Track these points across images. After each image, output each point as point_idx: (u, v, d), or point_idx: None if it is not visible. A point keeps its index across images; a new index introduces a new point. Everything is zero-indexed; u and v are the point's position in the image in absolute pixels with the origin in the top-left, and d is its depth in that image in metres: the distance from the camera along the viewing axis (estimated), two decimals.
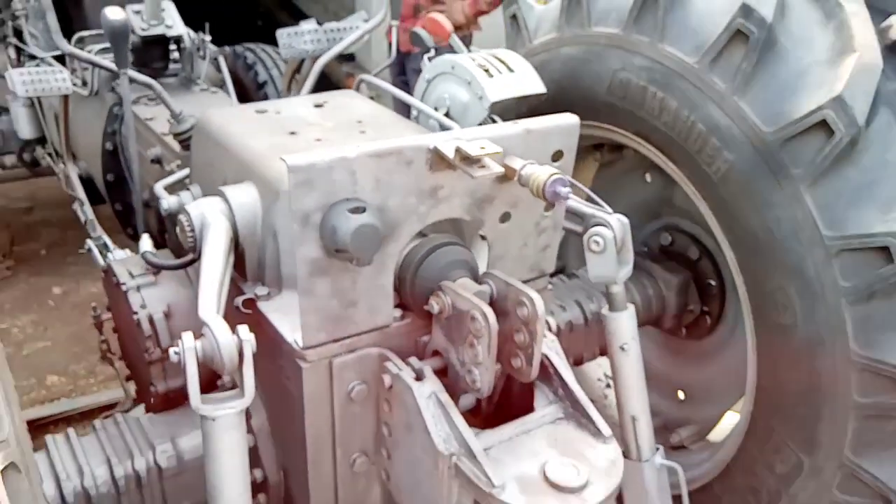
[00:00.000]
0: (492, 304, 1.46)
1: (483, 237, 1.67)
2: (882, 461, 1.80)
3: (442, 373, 1.55)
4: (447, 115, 2.08)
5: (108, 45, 2.82)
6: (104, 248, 2.45)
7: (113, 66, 2.29)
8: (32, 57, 3.43)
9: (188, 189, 1.96)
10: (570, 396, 1.56)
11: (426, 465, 1.48)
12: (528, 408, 1.58)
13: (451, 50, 2.33)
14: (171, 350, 1.40)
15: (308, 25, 2.66)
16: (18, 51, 3.73)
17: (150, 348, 1.82)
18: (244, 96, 3.72)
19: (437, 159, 1.45)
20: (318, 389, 1.55)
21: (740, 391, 2.16)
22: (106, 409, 3.29)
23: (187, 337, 1.39)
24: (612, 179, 2.60)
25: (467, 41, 4.39)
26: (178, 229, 1.72)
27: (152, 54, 2.98)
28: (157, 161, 2.51)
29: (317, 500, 1.68)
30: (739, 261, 1.96)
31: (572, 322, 2.28)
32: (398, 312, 1.61)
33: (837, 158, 1.71)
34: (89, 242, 2.52)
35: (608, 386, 2.79)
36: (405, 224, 1.50)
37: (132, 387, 2.38)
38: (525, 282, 1.56)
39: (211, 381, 1.69)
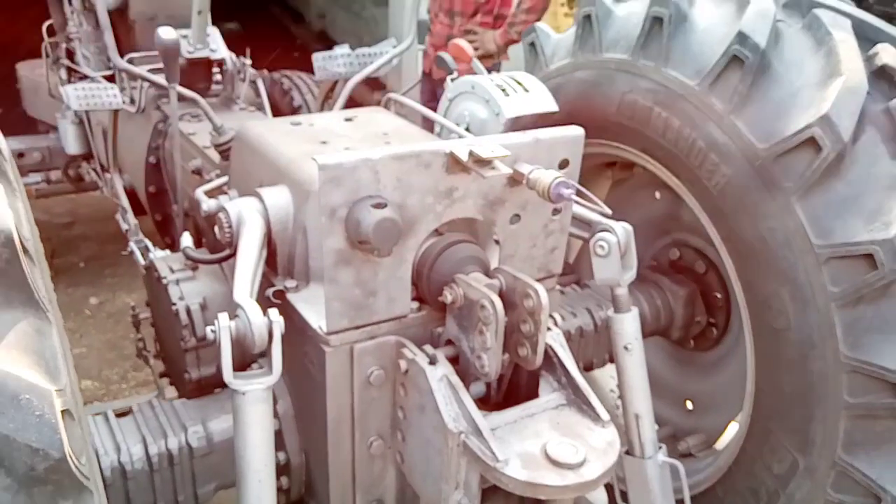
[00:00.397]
0: (501, 296, 1.60)
1: (496, 241, 1.82)
2: (872, 460, 1.89)
3: (454, 361, 1.69)
4: (467, 129, 2.24)
5: (155, 66, 3.05)
6: (146, 250, 2.63)
7: (163, 81, 2.50)
8: (82, 77, 3.67)
9: (226, 194, 2.13)
10: (573, 384, 1.69)
11: (437, 443, 1.61)
12: (533, 395, 1.71)
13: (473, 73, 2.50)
14: (208, 328, 1.55)
15: (341, 50, 2.85)
16: (69, 71, 3.99)
17: (187, 337, 1.98)
18: None
19: (453, 162, 1.61)
20: (340, 373, 1.69)
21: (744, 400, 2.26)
22: None
23: (223, 317, 1.54)
24: (625, 196, 2.73)
25: (497, 69, 4.58)
26: (216, 227, 1.88)
27: (197, 75, 3.20)
28: (198, 172, 2.70)
29: (336, 482, 1.81)
30: (737, 269, 2.08)
31: (582, 328, 2.40)
32: (415, 304, 1.75)
33: (825, 172, 1.84)
34: (132, 244, 2.70)
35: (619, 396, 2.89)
36: (422, 221, 1.65)
37: (165, 383, 2.54)
38: None
39: (240, 369, 1.84)
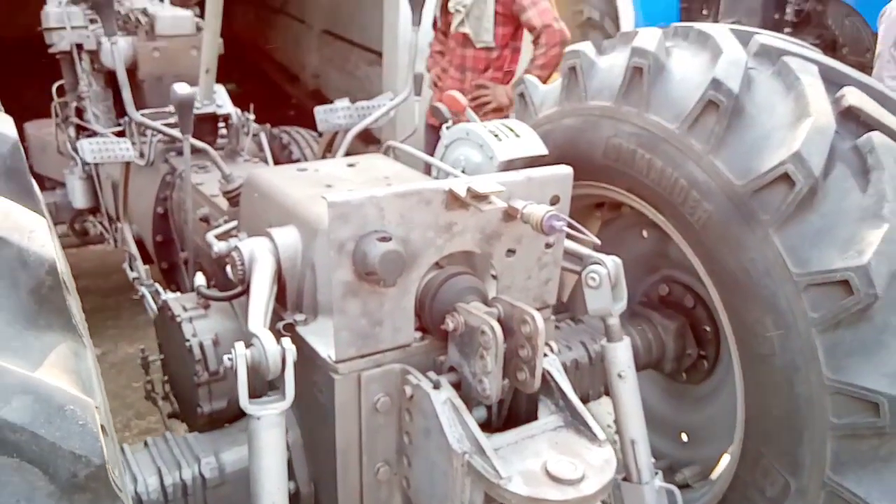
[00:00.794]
0: (499, 323, 1.70)
1: (494, 276, 1.93)
2: (860, 478, 1.97)
3: (457, 387, 1.78)
4: (463, 173, 2.37)
5: (163, 121, 3.21)
6: (156, 293, 2.73)
7: (176, 133, 2.63)
8: (91, 134, 3.83)
9: (235, 237, 2.25)
10: (570, 407, 1.78)
11: (442, 464, 1.69)
12: (532, 418, 1.79)
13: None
14: (225, 357, 1.65)
15: (341, 103, 3.01)
16: (78, 129, 4.15)
17: (200, 371, 2.07)
18: None
19: (452, 199, 1.73)
20: (348, 400, 1.78)
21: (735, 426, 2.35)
22: None
23: (239, 345, 1.64)
24: (614, 236, 2.85)
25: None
26: (229, 265, 1.99)
27: (204, 128, 3.35)
28: (205, 219, 2.82)
29: None
30: (722, 299, 2.19)
31: (578, 360, 2.50)
32: (418, 334, 1.85)
33: (800, 206, 1.96)
34: (143, 289, 2.80)
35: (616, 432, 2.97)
36: (424, 254, 1.76)
37: (173, 424, 2.61)
38: None
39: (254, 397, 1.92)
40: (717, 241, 2.15)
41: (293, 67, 11.78)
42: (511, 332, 1.73)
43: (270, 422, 1.64)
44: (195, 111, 3.08)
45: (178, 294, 2.37)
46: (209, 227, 2.73)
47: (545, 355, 1.82)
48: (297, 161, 4.33)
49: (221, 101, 3.50)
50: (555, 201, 1.87)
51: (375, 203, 1.66)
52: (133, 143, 3.28)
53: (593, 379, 2.54)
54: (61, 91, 4.41)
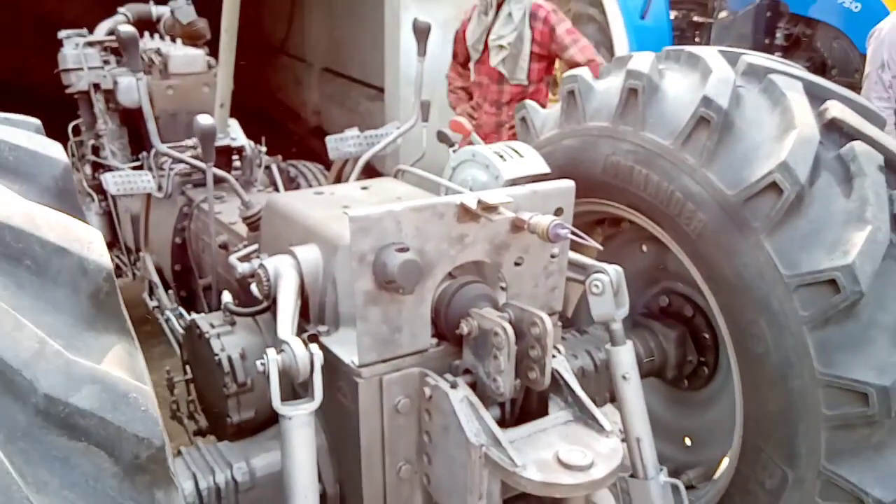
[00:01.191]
0: (510, 325, 1.83)
1: (503, 287, 2.06)
2: (853, 466, 2.08)
3: (472, 387, 1.90)
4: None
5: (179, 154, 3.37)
6: (180, 317, 2.86)
7: (198, 163, 2.78)
8: (107, 170, 3.99)
9: (257, 258, 2.39)
10: (578, 403, 1.90)
11: (461, 458, 1.80)
12: (543, 414, 1.91)
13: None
14: (258, 362, 1.78)
15: (351, 132, 3.18)
16: (94, 167, 4.31)
17: (229, 383, 2.19)
18: None
19: (463, 212, 1.87)
20: (371, 402, 1.90)
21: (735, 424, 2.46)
22: None
23: (271, 351, 1.77)
24: (615, 251, 2.98)
25: None
26: (256, 283, 2.13)
27: (219, 160, 3.50)
28: (224, 246, 2.96)
29: None
30: (719, 303, 2.32)
31: (584, 368, 2.61)
32: (435, 340, 1.98)
33: (788, 212, 2.10)
34: (168, 313, 2.93)
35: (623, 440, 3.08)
36: (439, 264, 1.89)
37: (198, 441, 2.72)
38: None
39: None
40: (712, 248, 2.28)
41: (294, 105, 12.04)
42: (522, 335, 1.86)
43: (301, 421, 1.76)
44: None
45: (204, 314, 2.50)
46: (228, 253, 2.87)
47: (554, 356, 1.95)
48: None
49: (235, 134, 3.67)
50: (559, 213, 2.01)
51: (393, 217, 1.80)
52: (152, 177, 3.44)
53: (599, 385, 2.65)
54: (76, 131, 4.59)
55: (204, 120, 2.47)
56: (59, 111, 4.48)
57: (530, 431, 1.83)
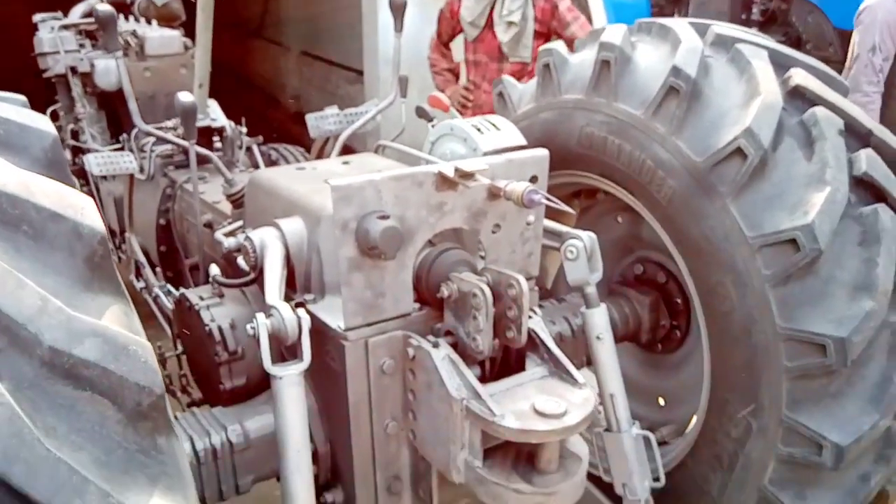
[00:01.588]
0: (488, 287, 1.92)
1: (482, 256, 2.14)
2: (812, 414, 2.20)
3: (453, 347, 1.99)
4: None
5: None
6: (168, 294, 2.93)
7: (180, 141, 2.84)
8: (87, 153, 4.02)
9: (243, 233, 2.46)
10: (553, 359, 2.00)
11: (443, 411, 1.90)
12: (521, 371, 2.01)
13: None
14: (248, 326, 1.86)
15: (331, 110, 3.24)
16: (74, 151, 4.34)
17: (220, 352, 2.27)
18: None
19: (442, 181, 1.95)
20: (358, 364, 1.99)
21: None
22: None
23: (260, 316, 1.86)
24: (591, 222, 3.08)
25: None
26: (242, 255, 2.20)
27: (200, 141, 3.55)
28: (209, 225, 3.02)
29: (359, 463, 2.08)
30: (688, 266, 2.43)
31: (561, 333, 2.71)
32: (417, 305, 2.07)
33: (752, 176, 2.20)
34: (156, 290, 2.99)
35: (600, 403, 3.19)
36: (419, 231, 1.98)
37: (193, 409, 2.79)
38: None
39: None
40: (682, 213, 2.38)
41: (273, 91, 11.99)
42: (499, 296, 1.95)
43: (291, 381, 1.84)
44: None
45: (193, 289, 2.57)
46: (214, 231, 2.94)
47: (530, 317, 2.05)
48: None
49: (215, 114, 3.71)
50: (534, 181, 2.10)
51: (374, 186, 1.88)
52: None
53: (576, 349, 2.75)
54: (55, 116, 4.61)
55: (185, 97, 2.53)
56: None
57: (508, 386, 1.93)
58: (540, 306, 2.84)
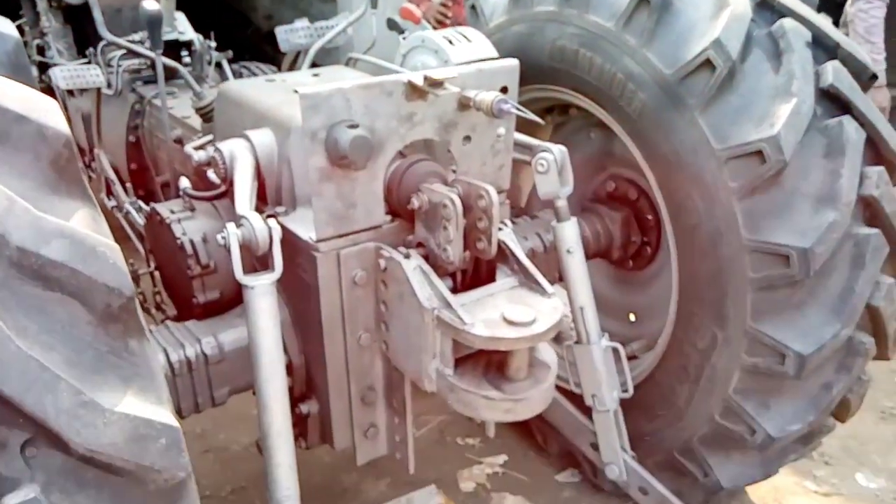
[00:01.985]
0: (458, 198, 1.93)
1: (453, 170, 2.13)
2: (776, 324, 2.27)
3: (424, 259, 2.02)
4: None
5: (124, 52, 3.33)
6: (139, 210, 2.91)
7: (145, 51, 2.77)
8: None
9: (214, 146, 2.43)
10: (523, 270, 2.03)
11: (415, 322, 1.93)
12: (491, 281, 2.05)
13: None
14: (219, 235, 1.86)
15: (301, 23, 3.18)
16: (41, 67, 4.22)
17: (192, 265, 2.27)
18: None
19: (411, 90, 1.94)
20: (330, 275, 2.01)
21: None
22: None
23: (230, 225, 1.86)
24: (564, 139, 3.04)
25: None
26: (212, 168, 2.19)
27: (168, 56, 3.47)
28: (179, 140, 2.99)
29: (333, 374, 2.13)
30: (657, 179, 2.45)
31: (533, 249, 2.75)
32: (389, 217, 2.08)
33: (720, 88, 2.21)
34: (127, 205, 2.97)
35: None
36: (389, 142, 1.97)
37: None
38: None
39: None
40: (652, 127, 2.39)
41: (244, 9, 11.63)
42: (469, 208, 1.97)
43: (263, 290, 1.86)
44: None
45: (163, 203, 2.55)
46: (183, 147, 2.90)
47: (500, 229, 2.07)
48: None
49: (183, 27, 3.62)
50: (504, 91, 2.09)
51: (343, 94, 1.86)
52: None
53: (549, 265, 2.79)
54: (20, 31, 4.46)
55: (150, 5, 2.46)
56: None
57: (479, 296, 1.97)
58: (513, 222, 2.87)
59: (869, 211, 2.29)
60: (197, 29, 3.79)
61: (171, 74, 2.93)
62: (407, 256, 1.96)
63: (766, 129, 2.14)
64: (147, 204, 3.61)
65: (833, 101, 2.24)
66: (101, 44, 3.46)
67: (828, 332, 2.29)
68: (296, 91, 1.86)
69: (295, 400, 2.24)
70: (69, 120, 4.09)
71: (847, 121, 2.20)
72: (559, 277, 2.89)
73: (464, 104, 2.01)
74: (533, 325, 1.84)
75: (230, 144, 2.16)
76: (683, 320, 2.50)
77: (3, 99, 1.36)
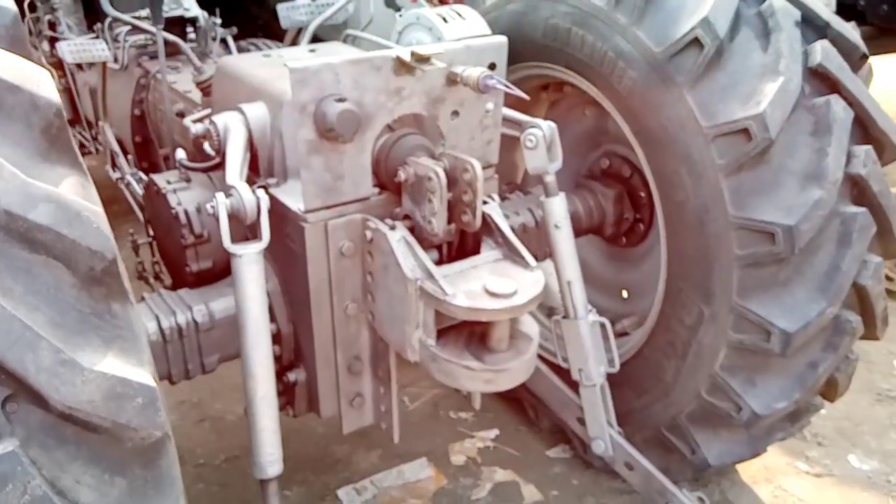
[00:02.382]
0: (444, 172, 1.97)
1: (443, 145, 2.17)
2: (762, 301, 2.30)
3: (410, 231, 2.06)
4: None
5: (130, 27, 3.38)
6: (140, 181, 2.97)
7: (146, 26, 2.82)
8: None
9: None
10: (508, 243, 2.07)
11: (399, 292, 1.98)
12: (476, 254, 2.09)
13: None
14: (208, 205, 1.92)
15: (303, 0, 3.21)
16: (52, 42, 4.28)
17: (186, 235, 2.33)
18: None
19: (399, 65, 1.97)
20: (317, 246, 2.06)
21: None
22: None
23: (220, 195, 1.91)
24: (559, 116, 3.08)
25: None
26: (206, 140, 2.23)
27: (173, 32, 3.52)
28: (181, 114, 3.04)
29: (320, 343, 2.18)
30: (647, 156, 2.48)
31: (525, 224, 2.78)
32: (376, 189, 2.12)
33: (708, 66, 2.23)
34: (128, 177, 3.03)
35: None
36: (377, 116, 2.01)
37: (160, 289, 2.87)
38: None
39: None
40: (641, 104, 2.41)
41: None
42: (455, 181, 2.01)
43: (251, 259, 1.91)
44: (164, 14, 3.25)
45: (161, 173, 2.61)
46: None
47: (486, 202, 2.11)
48: None
49: (188, 4, 3.67)
50: (492, 68, 2.12)
51: (331, 69, 1.90)
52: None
53: (539, 241, 2.82)
54: (32, 7, 4.53)
55: None
56: None
57: (462, 268, 2.01)
58: (505, 197, 2.90)
59: (856, 189, 2.30)
60: (204, 6, 3.84)
61: (175, 50, 2.97)
62: (392, 228, 2.01)
63: (752, 108, 2.16)
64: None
65: (822, 81, 2.26)
66: (108, 19, 3.52)
67: (813, 309, 2.31)
68: (286, 65, 1.90)
69: (283, 368, 2.30)
70: (77, 93, 4.17)
71: (835, 100, 2.21)
72: (549, 254, 2.94)
73: (451, 80, 2.05)
74: (514, 297, 1.88)
75: (224, 117, 2.20)
76: (671, 296, 2.53)
77: None
